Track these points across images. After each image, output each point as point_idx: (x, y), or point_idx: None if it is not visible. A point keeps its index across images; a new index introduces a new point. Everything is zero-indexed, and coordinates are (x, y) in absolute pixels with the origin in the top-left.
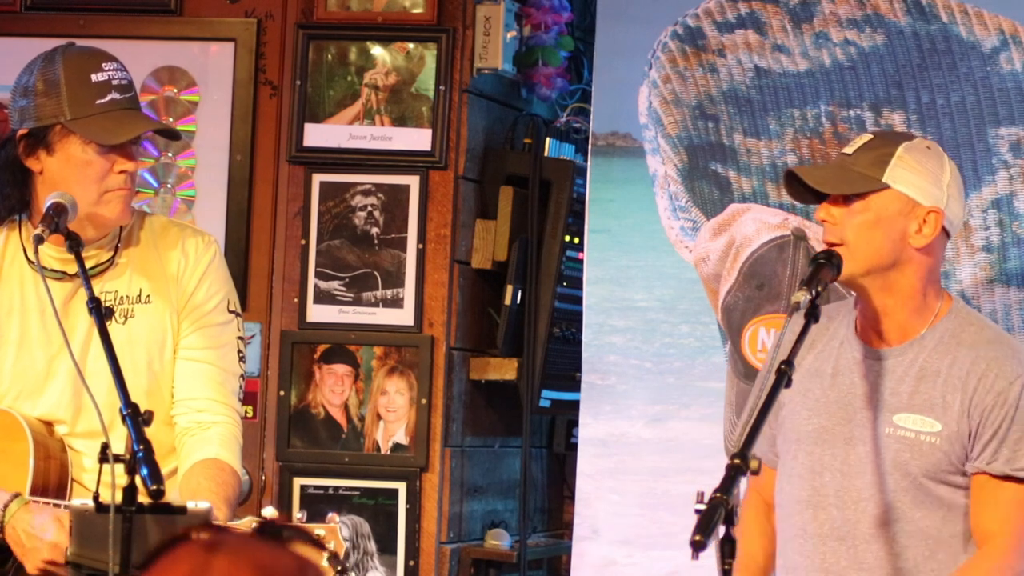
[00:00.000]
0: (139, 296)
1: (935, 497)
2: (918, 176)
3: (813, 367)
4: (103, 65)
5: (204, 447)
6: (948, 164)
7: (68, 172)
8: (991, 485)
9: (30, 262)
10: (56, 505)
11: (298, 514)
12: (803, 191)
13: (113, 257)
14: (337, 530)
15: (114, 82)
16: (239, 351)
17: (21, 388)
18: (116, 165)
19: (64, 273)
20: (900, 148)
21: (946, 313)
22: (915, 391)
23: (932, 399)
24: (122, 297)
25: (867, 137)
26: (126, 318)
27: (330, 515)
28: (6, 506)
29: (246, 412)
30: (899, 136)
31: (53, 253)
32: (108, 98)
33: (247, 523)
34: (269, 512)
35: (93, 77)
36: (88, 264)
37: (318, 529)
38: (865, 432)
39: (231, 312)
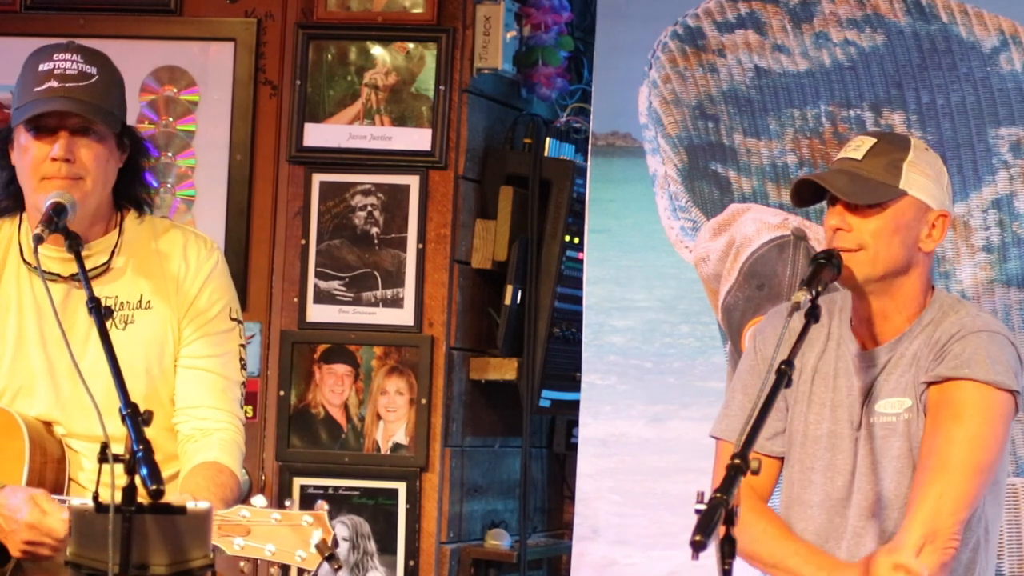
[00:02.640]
0: (140, 302)
1: None
2: (929, 180)
3: (817, 369)
4: (54, 56)
5: (205, 451)
6: (943, 165)
7: (20, 162)
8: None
9: (26, 262)
10: (61, 502)
11: (287, 502)
12: (803, 195)
13: (108, 262)
14: (324, 517)
15: (57, 71)
16: (240, 359)
17: (18, 387)
18: (51, 152)
19: (58, 275)
20: (910, 153)
21: (928, 304)
22: (892, 377)
23: (905, 380)
24: (123, 303)
25: (871, 140)
26: (126, 323)
27: (319, 502)
28: None
29: (246, 412)
30: (902, 139)
31: (50, 254)
32: (45, 86)
33: (235, 511)
34: (259, 502)
35: (40, 67)
36: (75, 270)
37: (306, 516)
38: (863, 430)
39: (233, 320)
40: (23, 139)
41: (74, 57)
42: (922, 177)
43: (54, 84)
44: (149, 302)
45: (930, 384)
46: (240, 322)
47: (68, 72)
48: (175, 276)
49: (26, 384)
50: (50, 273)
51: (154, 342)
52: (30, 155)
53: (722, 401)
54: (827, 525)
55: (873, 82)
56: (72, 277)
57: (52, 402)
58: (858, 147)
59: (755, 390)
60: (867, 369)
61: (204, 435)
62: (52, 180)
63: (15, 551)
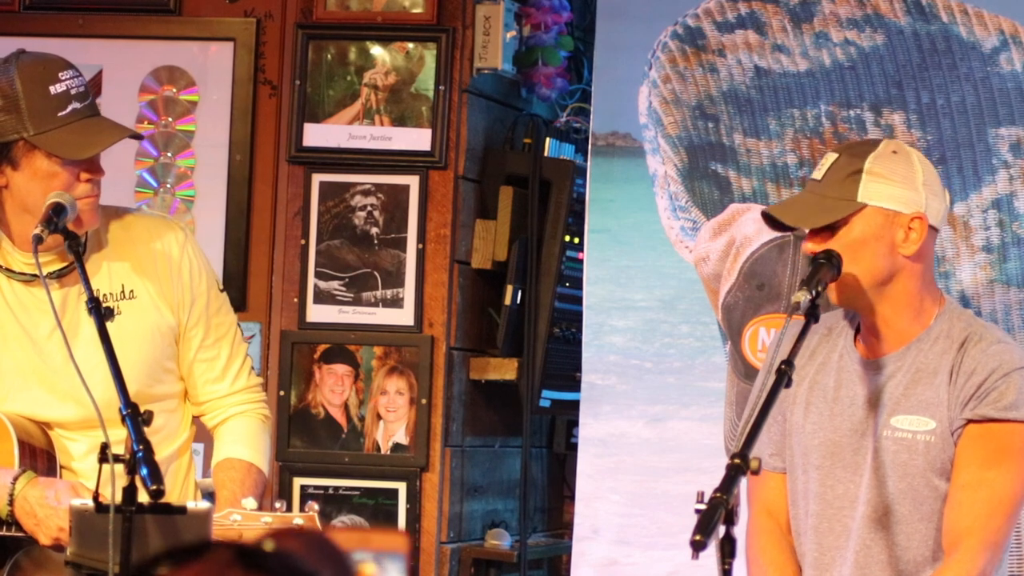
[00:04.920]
0: (122, 292)
1: (937, 496)
2: (892, 186)
3: (815, 380)
4: (59, 75)
5: (222, 448)
6: (918, 163)
7: (34, 185)
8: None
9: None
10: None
11: (277, 503)
12: (773, 222)
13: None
14: (316, 518)
15: (72, 91)
16: (237, 323)
17: (2, 387)
18: (82, 174)
19: (34, 276)
20: (867, 162)
21: (938, 314)
22: (910, 392)
23: (927, 399)
24: (105, 295)
25: (833, 157)
26: (113, 315)
27: (309, 503)
28: (16, 479)
29: None
30: (864, 147)
31: (23, 258)
32: (69, 109)
33: (226, 515)
34: (250, 504)
35: (52, 89)
36: (51, 268)
37: (297, 517)
38: (868, 441)
39: (221, 291)
40: (45, 163)
41: (73, 72)
42: (884, 184)
43: (77, 105)
44: (132, 291)
45: (971, 421)
46: (223, 289)
47: (80, 90)
48: (155, 266)
49: (15, 383)
50: (27, 275)
51: (146, 327)
52: (59, 179)
53: (723, 401)
54: (827, 533)
55: (873, 82)
56: (50, 276)
57: (35, 399)
58: (822, 166)
59: (778, 411)
60: (872, 378)
61: (224, 423)
62: (85, 200)
63: (46, 539)
